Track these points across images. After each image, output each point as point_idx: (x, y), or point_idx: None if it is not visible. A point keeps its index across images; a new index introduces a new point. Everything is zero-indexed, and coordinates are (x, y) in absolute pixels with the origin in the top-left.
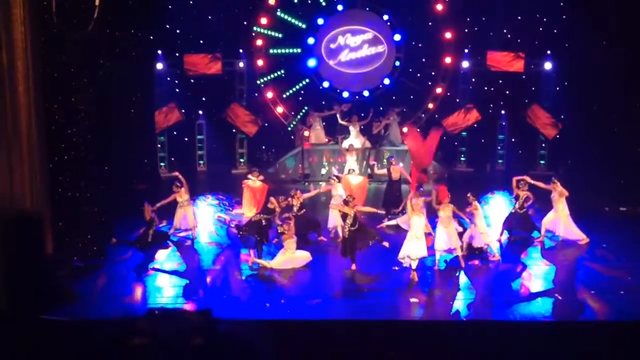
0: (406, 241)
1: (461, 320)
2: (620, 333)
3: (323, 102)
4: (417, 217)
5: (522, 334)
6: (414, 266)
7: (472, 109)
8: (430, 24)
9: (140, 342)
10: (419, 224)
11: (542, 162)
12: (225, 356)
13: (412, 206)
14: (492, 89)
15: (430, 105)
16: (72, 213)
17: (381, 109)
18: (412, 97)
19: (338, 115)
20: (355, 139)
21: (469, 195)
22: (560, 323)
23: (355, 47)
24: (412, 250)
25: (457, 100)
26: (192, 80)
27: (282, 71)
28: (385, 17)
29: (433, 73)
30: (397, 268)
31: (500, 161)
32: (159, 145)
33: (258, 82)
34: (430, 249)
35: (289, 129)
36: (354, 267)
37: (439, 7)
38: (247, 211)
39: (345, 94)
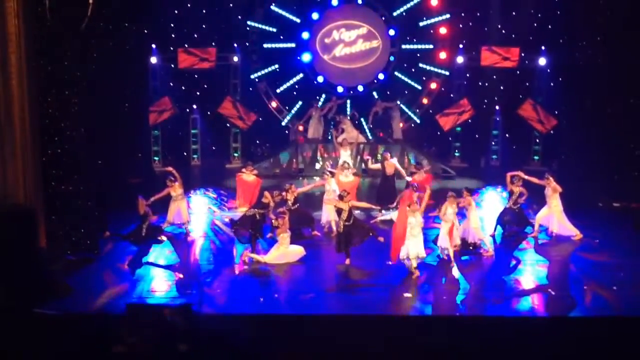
0: (405, 241)
1: (454, 316)
2: (613, 328)
3: (317, 97)
4: (413, 217)
5: (516, 329)
6: (414, 264)
7: (466, 112)
8: (424, 19)
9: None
10: (415, 223)
11: (536, 157)
12: (210, 350)
13: (409, 208)
14: (487, 84)
15: (425, 100)
16: (65, 207)
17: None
18: (406, 92)
19: (332, 110)
20: (349, 134)
21: (463, 190)
22: (553, 318)
23: (350, 42)
24: (410, 250)
25: (452, 95)
26: (186, 74)
27: (276, 66)
28: (380, 12)
29: (427, 68)
30: (390, 263)
31: (494, 156)
32: (152, 139)
33: (252, 76)
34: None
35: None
36: (348, 262)
37: (434, 2)
38: (241, 205)
39: (340, 89)
